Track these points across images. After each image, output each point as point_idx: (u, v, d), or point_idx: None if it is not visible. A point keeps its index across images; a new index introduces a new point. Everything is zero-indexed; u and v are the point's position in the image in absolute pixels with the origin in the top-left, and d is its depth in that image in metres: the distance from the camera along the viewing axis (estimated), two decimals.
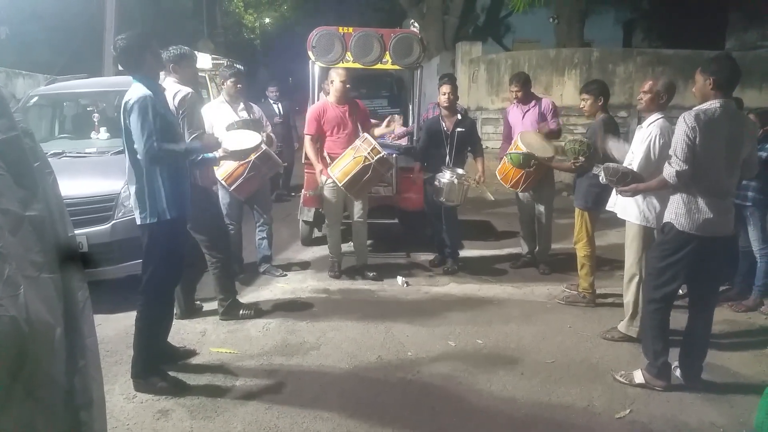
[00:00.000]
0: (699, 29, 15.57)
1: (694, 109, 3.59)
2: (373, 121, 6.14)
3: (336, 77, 5.71)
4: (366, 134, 5.57)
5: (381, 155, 5.36)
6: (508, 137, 6.34)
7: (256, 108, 5.92)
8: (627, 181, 3.99)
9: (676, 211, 3.67)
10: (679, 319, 3.95)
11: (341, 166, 5.42)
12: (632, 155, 4.25)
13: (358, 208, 5.85)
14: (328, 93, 9.26)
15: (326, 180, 5.66)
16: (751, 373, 4.05)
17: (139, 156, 3.50)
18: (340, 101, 5.75)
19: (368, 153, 5.32)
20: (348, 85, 5.73)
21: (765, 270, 5.09)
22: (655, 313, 3.81)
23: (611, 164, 4.17)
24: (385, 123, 6.00)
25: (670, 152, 3.62)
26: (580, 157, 4.83)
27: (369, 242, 6.20)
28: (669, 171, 3.59)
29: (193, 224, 4.43)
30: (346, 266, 6.10)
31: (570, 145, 4.88)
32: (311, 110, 5.90)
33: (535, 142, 5.68)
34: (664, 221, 3.79)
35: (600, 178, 4.15)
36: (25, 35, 12.68)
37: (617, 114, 10.65)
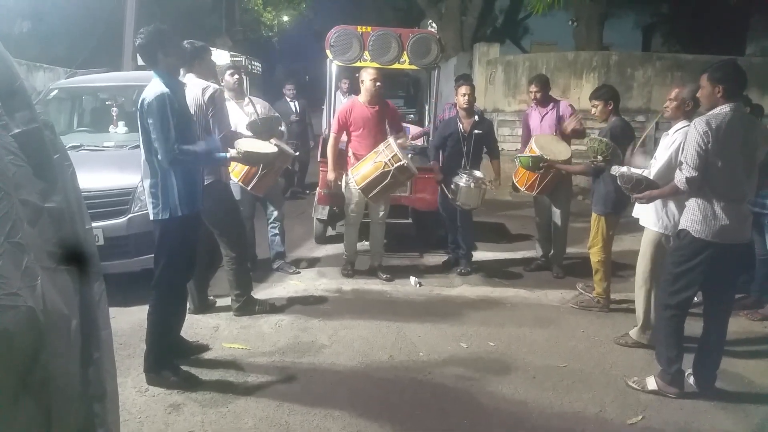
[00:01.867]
0: (719, 34, 15.40)
1: (704, 115, 3.58)
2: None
3: (366, 77, 5.64)
4: (390, 139, 5.50)
5: (401, 163, 5.28)
6: (527, 141, 6.31)
7: (261, 102, 5.91)
8: (641, 188, 3.98)
9: (692, 218, 3.64)
10: (693, 326, 3.91)
11: (361, 170, 5.40)
12: (655, 161, 4.22)
13: (379, 210, 5.84)
14: (345, 92, 9.32)
15: (350, 179, 5.66)
16: (767, 382, 4.00)
17: (159, 158, 3.53)
18: (371, 102, 5.68)
19: (389, 159, 5.28)
20: (379, 84, 5.64)
21: None
22: (670, 320, 3.77)
23: (625, 171, 4.15)
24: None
25: (681, 159, 3.62)
26: (599, 156, 4.78)
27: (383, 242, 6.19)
28: (680, 177, 3.60)
29: (212, 219, 4.46)
30: (359, 265, 6.10)
31: (591, 144, 4.80)
32: (339, 108, 5.89)
33: (550, 144, 5.66)
34: (679, 228, 3.76)
35: (618, 181, 4.14)
36: (46, 29, 12.78)
37: (635, 118, 10.56)
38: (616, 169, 4.23)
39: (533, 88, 6.16)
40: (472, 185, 5.68)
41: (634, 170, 4.19)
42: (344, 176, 5.82)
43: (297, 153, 7.37)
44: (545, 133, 5.93)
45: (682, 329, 3.77)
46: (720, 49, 12.45)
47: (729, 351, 4.35)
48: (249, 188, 5.20)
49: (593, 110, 5.21)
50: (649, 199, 4.03)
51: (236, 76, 5.57)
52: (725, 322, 3.82)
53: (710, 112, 3.57)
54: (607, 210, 5.02)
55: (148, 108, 3.49)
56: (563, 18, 17.27)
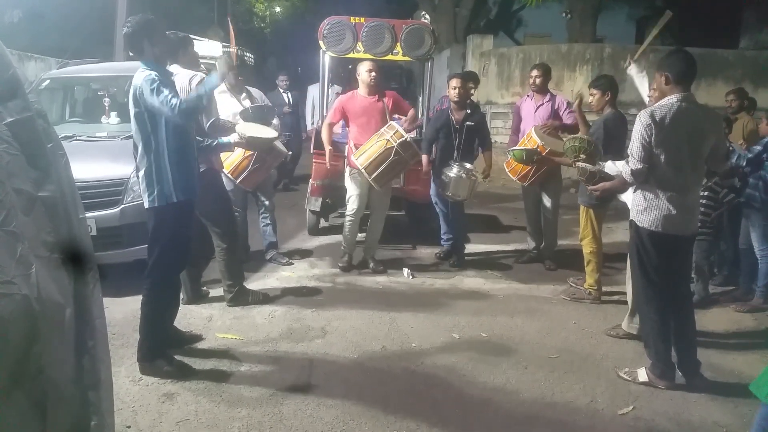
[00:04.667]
0: (713, 28, 15.44)
1: (650, 107, 3.64)
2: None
3: (362, 69, 5.71)
4: (391, 121, 5.55)
5: (404, 139, 5.30)
6: (517, 130, 6.33)
7: (257, 94, 5.91)
8: (595, 180, 4.16)
9: (636, 207, 3.76)
10: None
11: (364, 151, 5.41)
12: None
13: (379, 201, 5.83)
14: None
15: (351, 170, 5.67)
16: (756, 374, 4.01)
17: (172, 116, 3.47)
18: (369, 92, 5.73)
19: (391, 136, 5.30)
20: (374, 74, 5.66)
21: (766, 271, 5.07)
22: (648, 313, 3.82)
23: (580, 163, 4.32)
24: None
25: (628, 151, 3.69)
26: (581, 155, 4.78)
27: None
28: (625, 169, 3.70)
29: (203, 209, 4.46)
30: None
31: (570, 144, 4.76)
32: (338, 99, 5.96)
33: (549, 135, 5.68)
34: (630, 218, 3.85)
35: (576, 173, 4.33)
36: (37, 19, 12.69)
37: (628, 111, 10.56)
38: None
39: (535, 73, 6.17)
40: (463, 176, 5.70)
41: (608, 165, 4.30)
42: (346, 169, 5.83)
43: (290, 153, 7.39)
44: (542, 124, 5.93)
45: (666, 322, 3.77)
46: (713, 42, 12.49)
47: (719, 343, 4.42)
48: (238, 181, 5.20)
49: (590, 98, 5.22)
50: (603, 191, 4.20)
51: (240, 78, 5.65)
52: (690, 312, 3.86)
53: (657, 103, 3.64)
54: (592, 201, 5.05)
55: (140, 91, 3.48)
56: (557, 10, 17.27)
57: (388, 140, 5.30)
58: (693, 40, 13.62)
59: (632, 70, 4.74)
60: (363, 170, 5.39)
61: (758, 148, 5.00)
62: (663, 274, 3.76)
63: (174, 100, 3.41)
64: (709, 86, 10.76)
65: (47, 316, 1.76)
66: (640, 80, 4.71)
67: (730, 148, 5.15)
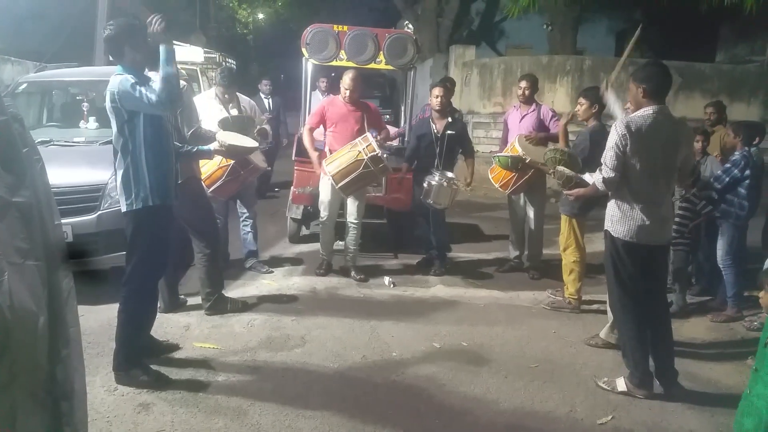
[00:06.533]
0: (690, 42, 15.69)
1: (626, 117, 3.68)
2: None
3: (344, 77, 5.74)
4: (367, 133, 5.55)
5: (375, 153, 5.29)
6: (506, 141, 6.35)
7: (246, 102, 5.89)
8: (571, 185, 4.23)
9: (611, 218, 3.80)
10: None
11: (335, 159, 5.42)
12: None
13: (354, 208, 5.83)
14: (324, 91, 9.30)
15: (323, 176, 5.65)
16: (732, 383, 4.07)
17: (155, 109, 3.47)
18: (348, 100, 5.74)
19: (363, 149, 5.31)
20: (350, 83, 5.66)
21: (731, 281, 5.14)
22: (624, 323, 3.86)
23: (560, 168, 4.37)
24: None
25: (602, 159, 3.72)
26: (558, 167, 4.80)
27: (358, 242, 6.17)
28: (597, 177, 3.75)
29: (186, 216, 4.42)
30: (333, 265, 6.07)
31: (550, 155, 4.77)
32: (319, 103, 5.96)
33: (532, 145, 5.71)
34: (604, 228, 3.88)
35: (554, 176, 4.44)
36: (15, 21, 12.53)
37: (608, 122, 10.71)
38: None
39: (524, 84, 6.21)
40: (444, 183, 5.71)
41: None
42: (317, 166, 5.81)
43: (269, 168, 7.34)
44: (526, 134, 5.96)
45: (642, 331, 3.80)
46: (691, 55, 12.69)
47: (695, 353, 4.46)
48: (210, 191, 5.12)
49: (577, 108, 5.25)
50: (576, 197, 4.28)
51: (226, 96, 5.63)
52: (667, 320, 3.90)
53: (632, 114, 3.69)
54: (574, 211, 5.08)
55: (119, 95, 3.45)
56: (538, 22, 17.43)
57: (360, 152, 5.31)
58: (671, 52, 13.83)
59: (609, 97, 4.71)
60: (331, 178, 5.41)
61: (726, 178, 5.05)
62: (639, 283, 3.80)
63: (152, 95, 3.40)
64: (687, 98, 10.92)
65: (20, 324, 1.72)
66: (615, 106, 4.69)
67: (704, 164, 5.26)
